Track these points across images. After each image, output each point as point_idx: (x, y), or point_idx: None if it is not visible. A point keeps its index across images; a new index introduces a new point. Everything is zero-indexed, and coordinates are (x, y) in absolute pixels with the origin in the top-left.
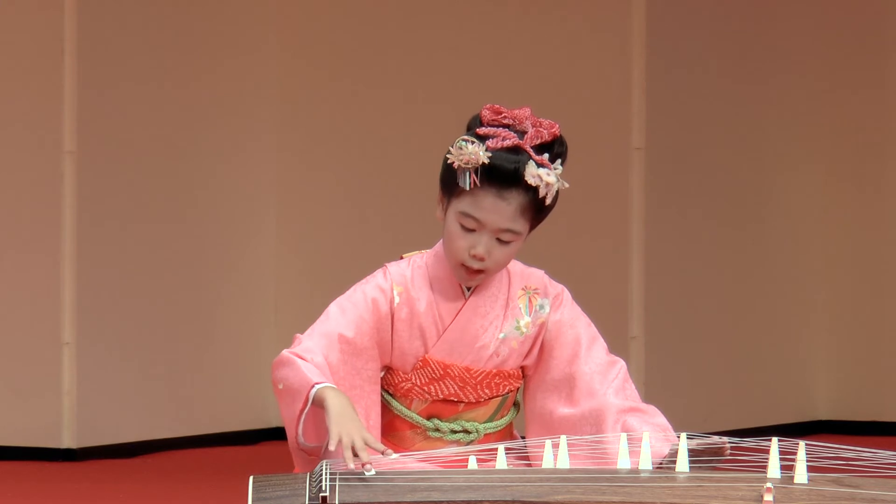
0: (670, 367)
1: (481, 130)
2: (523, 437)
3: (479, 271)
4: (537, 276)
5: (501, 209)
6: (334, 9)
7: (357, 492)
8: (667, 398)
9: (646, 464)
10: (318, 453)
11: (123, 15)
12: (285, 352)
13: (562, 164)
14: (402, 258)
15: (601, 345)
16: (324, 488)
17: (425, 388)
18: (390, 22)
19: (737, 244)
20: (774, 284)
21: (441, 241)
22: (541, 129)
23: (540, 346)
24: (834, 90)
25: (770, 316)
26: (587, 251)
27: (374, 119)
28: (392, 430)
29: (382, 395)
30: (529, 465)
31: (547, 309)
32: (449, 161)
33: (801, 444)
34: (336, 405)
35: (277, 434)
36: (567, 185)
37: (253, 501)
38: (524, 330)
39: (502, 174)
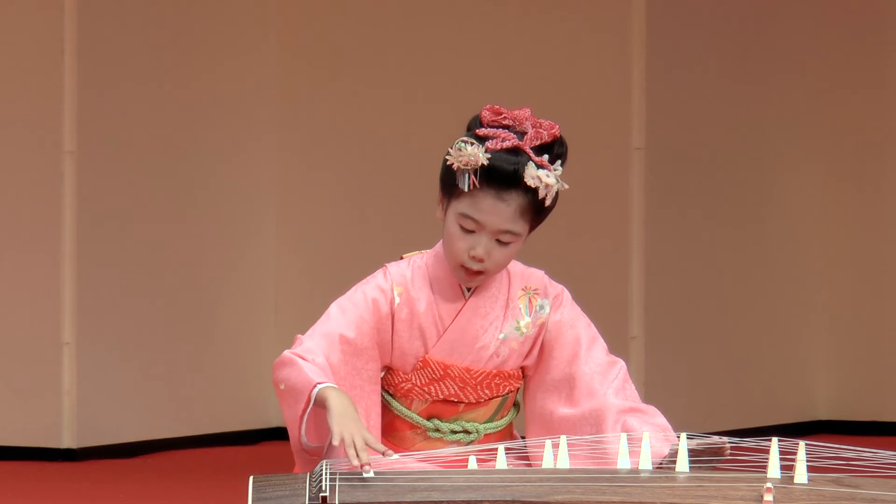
0: (670, 367)
1: (481, 131)
2: (523, 437)
3: (479, 272)
4: (537, 276)
5: (501, 210)
6: (334, 9)
7: (357, 492)
8: (667, 398)
9: (646, 464)
10: (319, 453)
11: (123, 15)
12: (286, 352)
13: (562, 165)
14: (402, 258)
15: (601, 345)
16: (324, 488)
17: (425, 389)
18: (390, 22)
19: (737, 244)
20: (774, 284)
21: (441, 241)
22: (541, 130)
23: (540, 346)
24: (834, 90)
25: (770, 316)
26: (587, 251)
27: (374, 119)
28: (392, 431)
29: (382, 396)
30: (529, 465)
31: (547, 309)
32: (448, 162)
33: (801, 444)
34: (338, 405)
35: (277, 434)
36: (567, 187)
37: (253, 501)
38: (524, 330)
39: (502, 175)
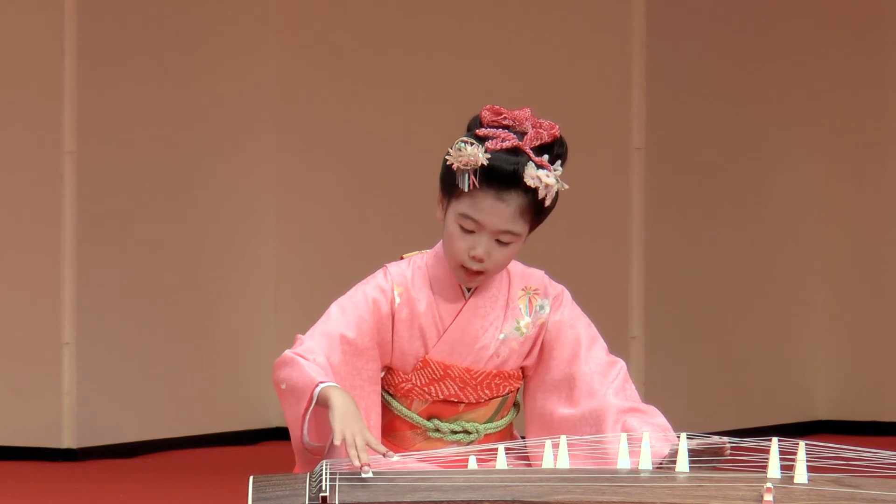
0: (670, 367)
1: (481, 131)
2: (523, 437)
3: (479, 272)
4: (537, 276)
5: (500, 210)
6: (334, 9)
7: (357, 492)
8: (667, 398)
9: (646, 464)
10: (321, 453)
11: (123, 15)
12: (287, 352)
13: (562, 165)
14: (402, 258)
15: (601, 345)
16: (324, 488)
17: (425, 389)
18: (390, 22)
19: (737, 244)
20: (774, 284)
21: (441, 241)
22: (540, 131)
23: (540, 346)
24: (834, 90)
25: (770, 316)
26: (587, 251)
27: (374, 119)
28: (392, 431)
29: (383, 396)
30: (529, 465)
31: (547, 309)
32: (448, 162)
33: (801, 444)
34: (340, 404)
35: (277, 434)
36: (567, 187)
37: (253, 501)
38: (524, 330)
39: (501, 175)
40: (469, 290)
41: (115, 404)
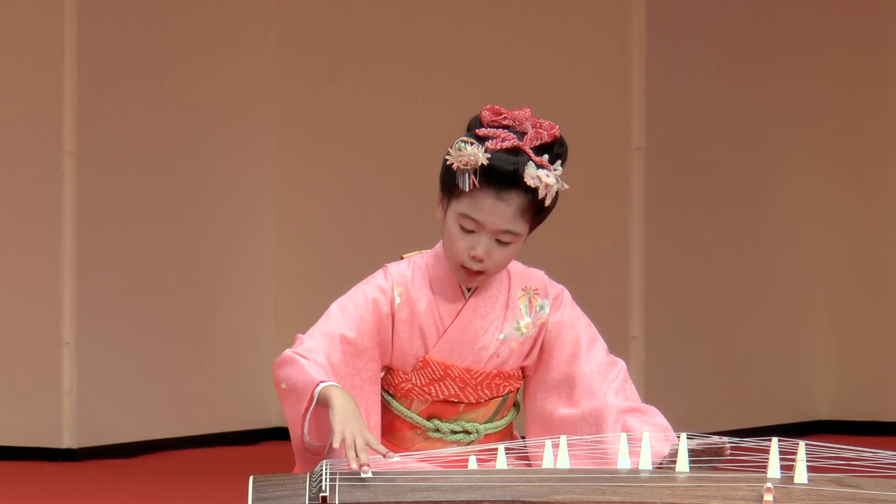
0: (670, 367)
1: (481, 131)
2: (523, 437)
3: (479, 272)
4: (537, 276)
5: (500, 210)
6: (334, 9)
7: (357, 492)
8: (667, 398)
9: (646, 464)
10: (321, 452)
11: (123, 15)
12: (287, 351)
13: (562, 165)
14: (402, 258)
15: (601, 345)
16: (324, 488)
17: (425, 389)
18: (390, 22)
19: (737, 244)
20: (774, 284)
21: (441, 241)
22: (540, 131)
23: (540, 346)
24: (834, 90)
25: (770, 316)
26: (587, 251)
27: (374, 119)
28: (392, 431)
29: (383, 396)
30: (529, 465)
31: (547, 309)
32: (448, 162)
33: (801, 444)
34: (341, 403)
35: (277, 434)
36: (567, 187)
37: (253, 501)
38: (524, 331)
39: (501, 175)
40: (469, 290)
41: (115, 404)
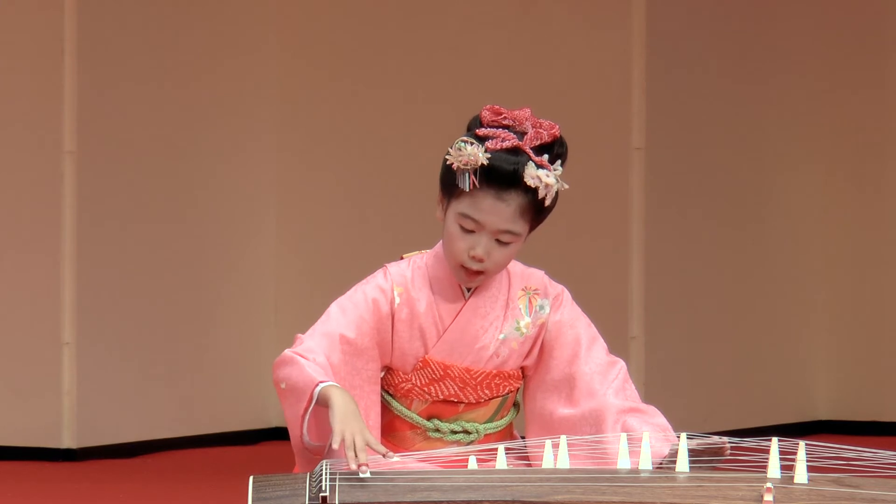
0: (670, 367)
1: (481, 131)
2: (523, 437)
3: (479, 272)
4: (537, 276)
5: (500, 210)
6: (334, 9)
7: (357, 492)
8: (667, 398)
9: (646, 464)
10: (321, 452)
11: (123, 15)
12: (287, 351)
13: (562, 165)
14: (402, 258)
15: (601, 345)
16: (324, 488)
17: (425, 389)
18: (390, 22)
19: (737, 244)
20: (774, 284)
21: (441, 241)
22: (540, 130)
23: (540, 346)
24: (834, 90)
25: (770, 316)
26: (587, 251)
27: (374, 119)
28: (392, 431)
29: (382, 396)
30: (529, 465)
31: (547, 309)
32: (448, 162)
33: (801, 444)
34: (341, 403)
35: (277, 434)
36: (567, 187)
37: (253, 501)
38: (524, 330)
39: (501, 175)
40: (469, 290)
41: (115, 404)
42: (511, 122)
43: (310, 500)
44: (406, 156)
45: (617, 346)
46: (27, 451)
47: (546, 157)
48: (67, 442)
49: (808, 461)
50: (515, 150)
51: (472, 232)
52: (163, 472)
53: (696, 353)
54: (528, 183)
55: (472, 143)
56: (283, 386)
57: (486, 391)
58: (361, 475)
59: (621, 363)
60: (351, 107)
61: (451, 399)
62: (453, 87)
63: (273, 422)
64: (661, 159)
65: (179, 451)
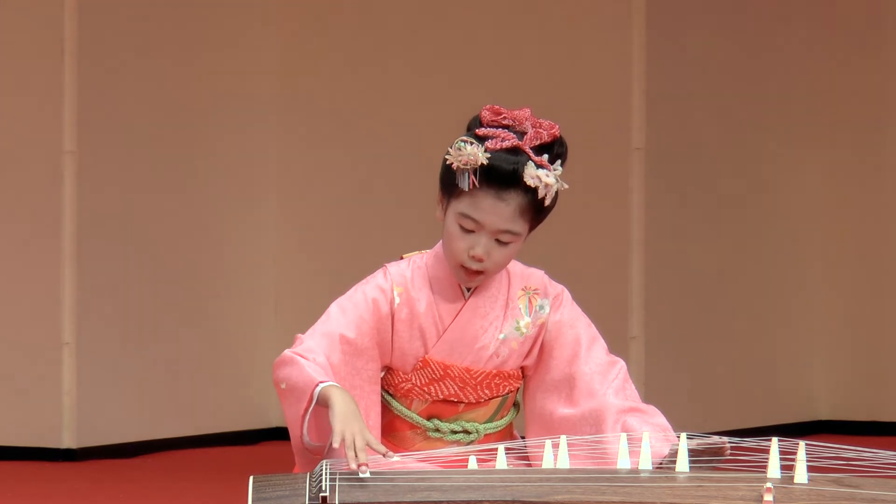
0: (670, 367)
1: (480, 131)
2: (523, 437)
3: (479, 272)
4: (537, 276)
5: (500, 210)
6: (334, 9)
7: (357, 492)
8: (667, 398)
9: (646, 464)
10: (321, 452)
11: (123, 14)
12: (287, 351)
13: (561, 164)
14: (402, 258)
15: (601, 345)
16: (324, 488)
17: (425, 389)
18: (391, 23)
19: (737, 244)
20: (774, 284)
21: (441, 241)
22: (540, 130)
23: (540, 346)
24: (834, 90)
25: (770, 316)
26: (587, 251)
27: (375, 119)
28: (392, 431)
29: (382, 396)
30: (529, 465)
31: (547, 309)
32: (448, 162)
33: (801, 444)
34: (341, 403)
35: (277, 434)
36: (566, 187)
37: (253, 501)
38: (524, 330)
39: (501, 175)
40: (469, 289)
41: (115, 404)
42: (511, 122)
43: (310, 500)
44: (406, 155)
45: (617, 346)
46: (27, 451)
47: (546, 156)
48: (67, 442)
49: (808, 461)
50: (515, 150)
51: (471, 232)
52: (163, 472)
53: (696, 353)
54: (527, 183)
55: (471, 143)
56: (283, 386)
57: (486, 391)
58: (361, 475)
59: (621, 363)
60: (351, 107)
61: (451, 399)
62: (453, 87)
63: (273, 422)
64: (661, 159)
65: (179, 451)
